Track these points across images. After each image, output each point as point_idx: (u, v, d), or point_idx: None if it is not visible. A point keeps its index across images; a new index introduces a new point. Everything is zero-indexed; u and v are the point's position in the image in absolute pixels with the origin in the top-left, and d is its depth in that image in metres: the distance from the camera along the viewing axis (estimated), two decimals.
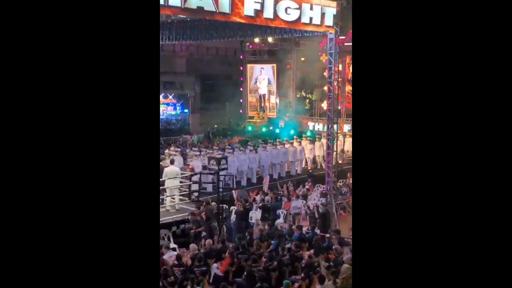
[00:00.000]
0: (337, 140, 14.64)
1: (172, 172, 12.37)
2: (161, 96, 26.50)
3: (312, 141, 18.73)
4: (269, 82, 26.74)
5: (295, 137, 19.11)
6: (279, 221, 12.42)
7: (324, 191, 13.94)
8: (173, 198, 12.67)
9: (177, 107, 29.98)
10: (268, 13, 11.54)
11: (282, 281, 7.91)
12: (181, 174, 13.66)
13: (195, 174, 13.68)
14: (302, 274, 8.23)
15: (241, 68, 27.50)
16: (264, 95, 27.04)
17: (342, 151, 18.42)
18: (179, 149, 17.48)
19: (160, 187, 11.37)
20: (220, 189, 11.99)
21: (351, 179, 15.94)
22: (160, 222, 9.62)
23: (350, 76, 23.61)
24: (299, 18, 12.11)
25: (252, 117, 27.05)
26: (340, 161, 16.57)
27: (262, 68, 26.82)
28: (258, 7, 11.29)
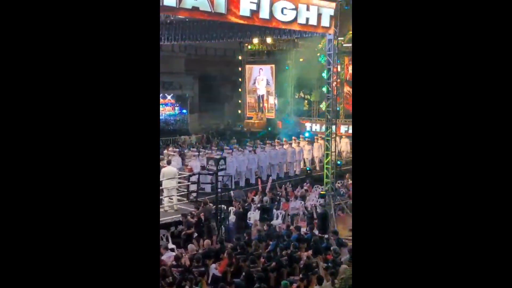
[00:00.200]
0: (335, 141, 14.64)
1: (169, 172, 12.37)
2: None
3: (311, 142, 18.73)
4: (268, 83, 26.74)
5: (293, 138, 19.12)
6: (277, 222, 12.43)
7: (322, 192, 13.96)
8: (171, 199, 12.67)
9: (176, 108, 29.96)
10: (264, 14, 11.49)
11: (281, 282, 7.91)
12: (179, 174, 13.66)
13: (194, 174, 13.67)
14: (301, 275, 8.24)
15: (240, 69, 27.50)
16: (262, 95, 27.06)
17: (339, 152, 18.43)
18: (178, 150, 17.47)
19: None
20: (219, 190, 11.98)
21: (349, 180, 15.96)
22: None
23: (348, 77, 23.65)
24: (296, 18, 12.06)
25: (250, 118, 27.06)
26: (339, 162, 16.61)
27: (260, 68, 26.83)
28: (254, 7, 11.23)
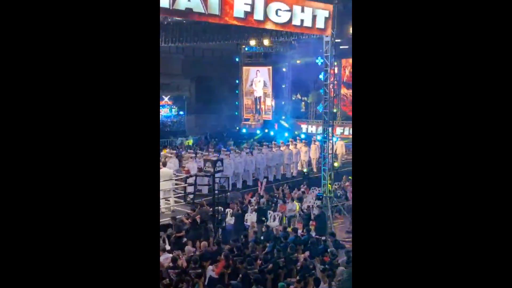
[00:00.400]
0: (332, 143, 14.65)
1: (165, 174, 12.35)
2: None
3: (307, 144, 18.76)
4: (265, 85, 26.79)
5: (290, 139, 19.14)
6: (274, 223, 12.43)
7: (319, 194, 13.96)
8: (168, 200, 12.65)
9: (173, 109, 29.96)
10: (258, 15, 11.43)
11: (278, 284, 7.91)
12: (176, 176, 13.65)
13: (191, 176, 13.67)
14: (298, 277, 8.23)
15: (237, 70, 27.53)
16: (259, 97, 27.09)
17: (335, 154, 18.46)
18: (175, 151, 17.47)
19: None
20: (216, 191, 11.98)
21: (346, 181, 15.99)
22: None
23: (345, 79, 23.71)
24: (290, 20, 12.01)
25: (247, 119, 27.08)
26: (335, 164, 16.62)
27: (258, 70, 26.88)
28: (248, 9, 11.17)
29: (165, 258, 8.98)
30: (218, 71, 27.47)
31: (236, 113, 28.04)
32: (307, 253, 9.64)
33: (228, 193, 13.49)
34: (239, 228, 11.53)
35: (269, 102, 26.78)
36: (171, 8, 9.98)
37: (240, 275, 8.28)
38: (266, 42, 21.11)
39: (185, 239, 10.50)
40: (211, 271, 8.55)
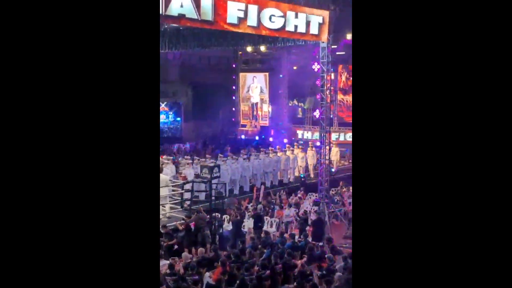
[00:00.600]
0: (329, 148, 14.67)
1: (161, 180, 12.31)
2: None
3: (304, 150, 18.77)
4: (262, 91, 26.82)
5: (287, 145, 19.15)
6: (272, 229, 12.41)
7: (316, 200, 13.96)
8: (164, 207, 12.62)
9: (170, 115, 29.94)
10: (251, 21, 11.40)
11: None
12: (173, 182, 13.62)
13: (188, 182, 13.65)
14: (295, 283, 8.21)
15: (234, 77, 27.57)
16: (256, 103, 27.11)
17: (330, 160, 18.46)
18: (171, 158, 17.44)
19: None
20: (213, 198, 11.96)
21: (343, 187, 16.00)
22: None
23: (342, 84, 23.78)
24: (284, 26, 12.01)
25: (244, 125, 27.09)
26: (333, 170, 16.64)
27: (254, 76, 26.91)
28: (241, 14, 11.15)
29: (162, 265, 8.95)
30: (214, 77, 27.48)
31: (233, 119, 28.05)
32: (304, 259, 9.62)
33: (225, 199, 13.47)
34: (237, 234, 11.50)
35: (266, 108, 26.81)
36: (163, 14, 9.95)
37: (238, 282, 8.25)
38: (262, 48, 21.16)
39: (176, 247, 10.45)
40: (208, 277, 8.52)
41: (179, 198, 13.45)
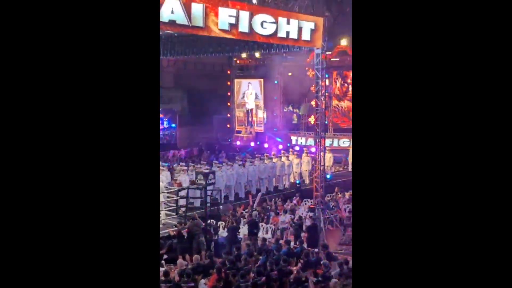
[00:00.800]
0: (324, 154, 14.67)
1: None
2: None
3: (299, 156, 18.78)
4: (257, 97, 26.85)
5: (282, 151, 19.16)
6: (267, 236, 12.39)
7: (312, 206, 13.95)
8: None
9: (165, 122, 29.90)
10: (243, 27, 11.35)
11: None
12: (169, 189, 13.58)
13: (183, 189, 13.61)
14: None
15: (229, 83, 27.61)
16: (251, 109, 27.13)
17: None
18: (166, 164, 17.40)
19: None
20: (208, 204, 11.92)
21: (339, 193, 16.01)
22: None
23: (337, 91, 23.85)
24: (276, 32, 11.98)
25: (239, 132, 27.10)
26: (328, 176, 16.64)
27: (249, 83, 26.95)
28: (232, 21, 11.09)
29: None
30: (209, 84, 27.50)
31: (228, 125, 28.05)
32: (299, 265, 9.59)
33: (221, 206, 13.44)
34: (233, 241, 11.47)
35: (261, 114, 26.83)
36: None
37: None
38: (257, 54, 21.20)
39: (165, 256, 10.40)
40: (203, 284, 8.49)
41: (174, 205, 13.41)
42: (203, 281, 8.59)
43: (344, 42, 22.01)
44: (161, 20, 9.94)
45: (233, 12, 11.04)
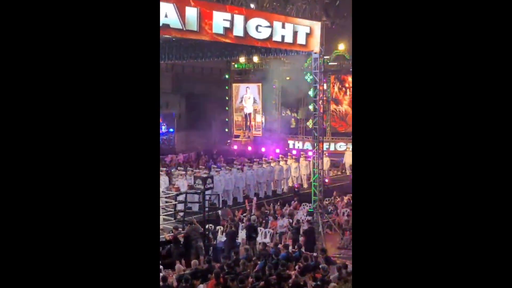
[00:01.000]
0: (322, 158, 14.67)
1: None
2: None
3: (297, 160, 18.76)
4: (255, 101, 26.86)
5: (280, 155, 19.15)
6: (266, 240, 12.36)
7: (310, 210, 13.93)
8: None
9: (163, 126, 29.88)
10: (237, 31, 11.28)
11: None
12: (167, 194, 13.55)
13: (181, 193, 13.58)
14: None
15: (227, 87, 27.62)
16: (249, 114, 27.13)
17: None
18: (164, 169, 17.37)
19: None
20: (206, 209, 11.89)
21: (337, 197, 15.99)
22: None
23: (335, 95, 23.88)
24: (271, 36, 11.94)
25: (238, 136, 27.09)
26: (326, 180, 16.64)
27: (247, 87, 26.97)
28: (227, 24, 11.02)
29: None
30: (207, 88, 27.50)
31: (226, 129, 28.05)
32: (298, 269, 9.56)
33: (219, 211, 13.41)
34: (231, 246, 11.43)
35: (259, 118, 26.83)
36: None
37: None
38: (255, 59, 21.21)
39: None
40: None
41: (172, 210, 13.37)
42: (201, 286, 8.55)
43: (342, 46, 22.06)
44: None
45: (227, 16, 10.99)
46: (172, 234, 10.92)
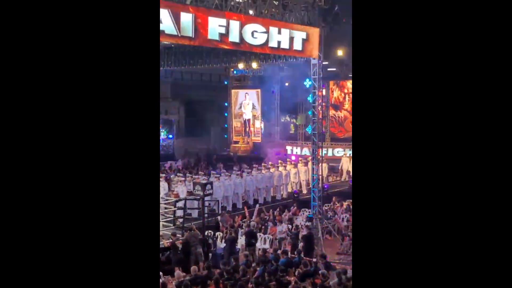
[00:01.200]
0: (321, 164, 14.69)
1: None
2: None
3: (296, 166, 18.76)
4: (254, 107, 26.89)
5: (279, 161, 19.15)
6: (265, 246, 12.34)
7: (310, 215, 13.91)
8: None
9: (162, 133, 29.88)
10: (233, 37, 11.23)
11: None
12: (166, 200, 13.54)
13: (180, 200, 13.57)
14: None
15: (226, 93, 27.67)
16: (248, 120, 27.16)
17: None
18: (164, 175, 17.36)
19: None
20: (206, 215, 11.87)
21: (336, 202, 15.98)
22: None
23: (333, 100, 23.92)
24: (267, 42, 11.90)
25: (237, 142, 27.10)
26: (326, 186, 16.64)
27: (246, 93, 27.01)
28: (223, 30, 10.96)
29: None
30: (207, 94, 27.55)
31: (226, 135, 28.07)
32: (297, 275, 9.54)
33: (218, 217, 13.39)
34: (231, 252, 11.41)
35: (258, 124, 26.86)
36: None
37: None
38: (254, 65, 21.27)
39: None
40: None
41: (172, 216, 13.35)
42: None
43: (340, 52, 22.11)
44: None
45: (223, 22, 10.93)
46: (170, 240, 10.90)
